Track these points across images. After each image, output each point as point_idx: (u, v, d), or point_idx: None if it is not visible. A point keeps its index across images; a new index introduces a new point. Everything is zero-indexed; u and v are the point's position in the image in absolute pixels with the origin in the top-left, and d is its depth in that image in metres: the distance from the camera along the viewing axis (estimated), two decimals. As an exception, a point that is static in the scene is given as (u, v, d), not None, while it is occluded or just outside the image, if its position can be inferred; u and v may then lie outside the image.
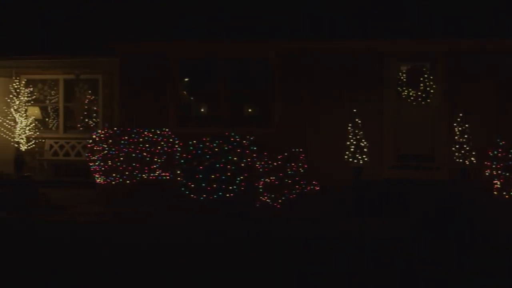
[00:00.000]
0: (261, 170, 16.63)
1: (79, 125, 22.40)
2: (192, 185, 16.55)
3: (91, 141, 18.11)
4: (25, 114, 21.86)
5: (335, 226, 15.35)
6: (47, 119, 23.00)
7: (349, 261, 12.05)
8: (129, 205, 17.26)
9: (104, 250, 12.85)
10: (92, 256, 12.39)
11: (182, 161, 16.90)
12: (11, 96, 21.83)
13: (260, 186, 16.61)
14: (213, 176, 16.40)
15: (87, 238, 13.99)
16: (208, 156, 16.54)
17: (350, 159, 17.97)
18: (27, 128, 21.76)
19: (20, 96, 21.81)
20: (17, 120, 21.73)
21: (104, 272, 11.20)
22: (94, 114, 22.18)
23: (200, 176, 16.46)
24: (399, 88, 18.77)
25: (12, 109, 21.75)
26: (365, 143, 17.98)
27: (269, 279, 10.79)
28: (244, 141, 16.77)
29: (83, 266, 11.62)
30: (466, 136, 17.74)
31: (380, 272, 11.23)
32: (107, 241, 13.76)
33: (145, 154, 17.55)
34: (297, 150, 16.84)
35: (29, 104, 22.13)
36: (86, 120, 22.25)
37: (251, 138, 16.89)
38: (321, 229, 14.95)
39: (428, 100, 18.61)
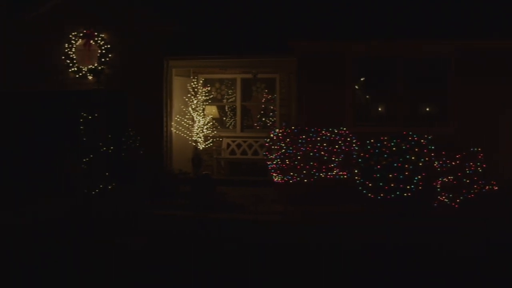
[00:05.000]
0: (439, 169, 16.52)
1: (256, 124, 22.91)
2: (370, 184, 16.62)
3: (269, 139, 18.39)
4: (202, 113, 22.29)
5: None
6: (224, 118, 23.66)
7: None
8: (308, 203, 17.48)
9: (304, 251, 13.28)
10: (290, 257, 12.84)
11: (360, 160, 16.98)
12: (188, 95, 22.27)
13: (438, 186, 16.52)
14: (390, 175, 16.39)
15: (280, 239, 14.44)
16: (385, 155, 16.55)
17: (530, 159, 17.64)
18: (205, 127, 22.22)
19: (197, 95, 22.28)
20: (195, 119, 22.18)
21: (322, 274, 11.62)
22: (271, 113, 22.62)
23: (378, 175, 16.49)
24: None
25: (190, 108, 22.17)
26: (545, 142, 17.60)
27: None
28: (422, 140, 16.68)
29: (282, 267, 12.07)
30: None
31: None
32: (297, 241, 14.19)
33: (322, 153, 17.67)
34: (475, 149, 16.63)
35: (207, 103, 22.63)
36: (263, 119, 22.74)
37: (429, 137, 16.78)
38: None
39: None
